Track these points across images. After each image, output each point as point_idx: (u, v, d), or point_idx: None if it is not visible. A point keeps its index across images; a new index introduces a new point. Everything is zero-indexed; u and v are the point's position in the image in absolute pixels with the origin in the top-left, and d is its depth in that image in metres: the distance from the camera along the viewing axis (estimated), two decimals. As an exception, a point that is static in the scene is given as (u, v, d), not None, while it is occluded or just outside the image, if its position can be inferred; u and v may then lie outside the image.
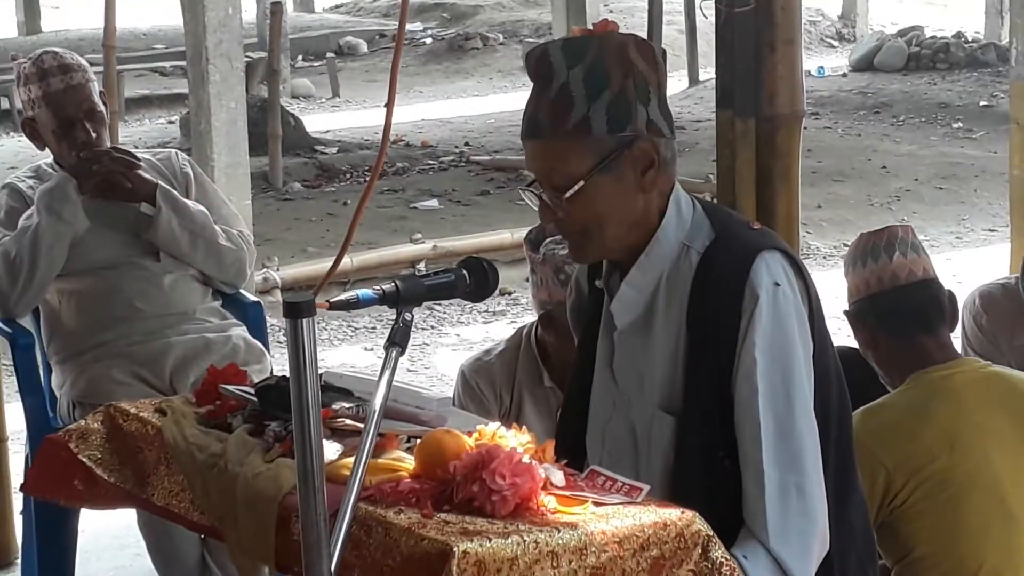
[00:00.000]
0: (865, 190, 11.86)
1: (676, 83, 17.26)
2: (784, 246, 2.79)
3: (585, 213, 2.70)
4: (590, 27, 2.77)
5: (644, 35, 8.57)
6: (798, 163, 3.71)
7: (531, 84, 2.73)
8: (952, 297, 3.47)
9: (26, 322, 4.47)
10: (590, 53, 2.67)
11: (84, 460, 2.83)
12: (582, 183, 2.67)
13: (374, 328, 8.36)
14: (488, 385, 3.75)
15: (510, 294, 8.52)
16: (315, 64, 21.81)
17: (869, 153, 13.39)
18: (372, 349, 7.95)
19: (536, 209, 2.79)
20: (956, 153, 13.39)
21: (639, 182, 2.71)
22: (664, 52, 2.75)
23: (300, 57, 22.02)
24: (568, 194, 2.68)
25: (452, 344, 8.05)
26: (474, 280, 2.64)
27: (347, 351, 7.96)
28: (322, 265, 9.09)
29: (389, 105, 2.80)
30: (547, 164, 2.71)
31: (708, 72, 17.00)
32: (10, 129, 15.66)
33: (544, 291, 3.62)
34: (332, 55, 21.45)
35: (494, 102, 18.00)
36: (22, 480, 4.58)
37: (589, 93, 2.65)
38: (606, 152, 2.67)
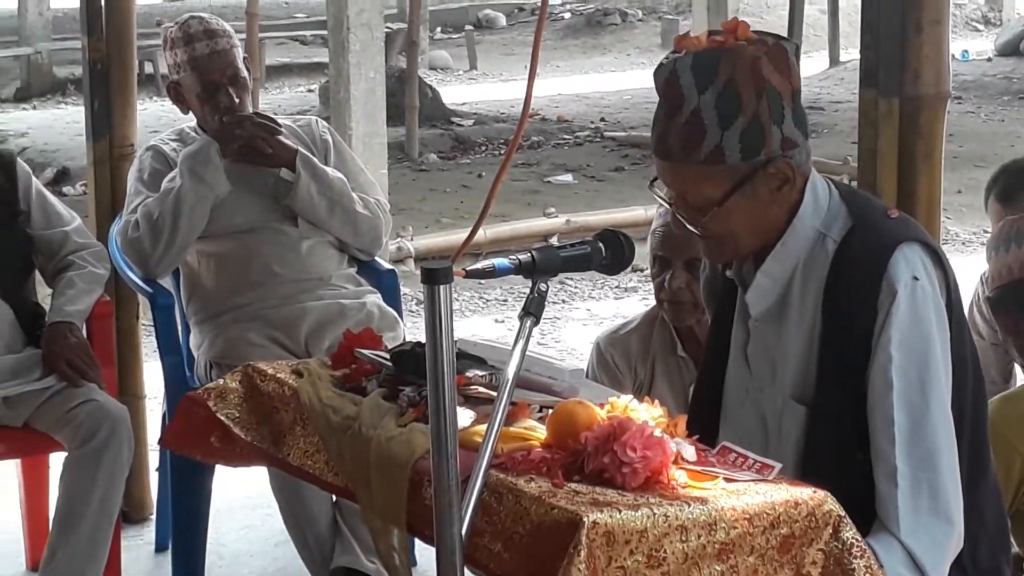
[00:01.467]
0: (1007, 176, 11.66)
1: (816, 64, 17.11)
2: (924, 236, 2.75)
3: (720, 229, 2.70)
4: (720, 25, 2.70)
5: (787, 14, 8.48)
6: (942, 145, 3.65)
7: (659, 99, 2.68)
8: None
9: (166, 283, 4.54)
10: (721, 74, 2.61)
11: (222, 418, 2.88)
12: (716, 208, 2.66)
13: (505, 300, 8.39)
14: (623, 358, 3.74)
15: (642, 270, 8.49)
16: (453, 36, 21.92)
17: (1012, 139, 13.16)
18: (503, 321, 7.97)
19: (666, 206, 2.79)
20: (1101, 141, 13.12)
21: (774, 198, 2.70)
22: (798, 48, 2.70)
23: (439, 29, 22.14)
24: (704, 217, 2.68)
25: (583, 319, 8.06)
26: (610, 253, 2.63)
27: (478, 322, 7.99)
28: (455, 236, 9.14)
29: (530, 79, 2.80)
30: (679, 186, 2.70)
31: (849, 53, 16.84)
32: (153, 93, 15.93)
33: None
34: (471, 27, 21.55)
35: (631, 78, 17.96)
36: (160, 436, 4.68)
37: (722, 121, 2.61)
38: (740, 178, 2.65)
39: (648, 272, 3.75)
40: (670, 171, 2.70)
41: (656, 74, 2.69)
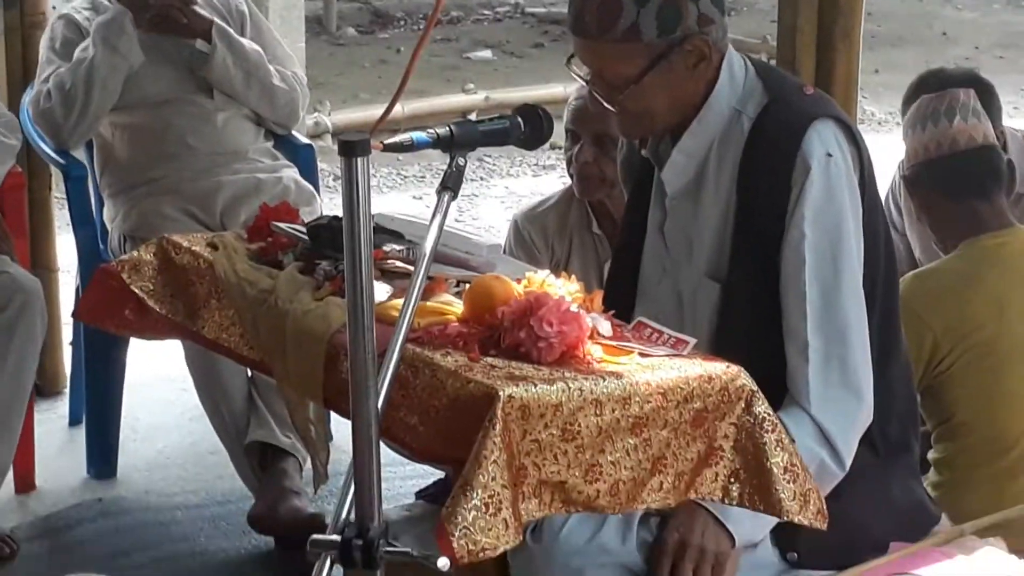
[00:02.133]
0: (924, 56, 11.70)
1: (737, -60, 17.01)
2: (838, 113, 2.76)
3: (636, 106, 2.70)
4: None
5: None
6: (860, 24, 3.66)
7: None
8: (1011, 164, 3.44)
9: (79, 154, 4.49)
10: None
11: (136, 290, 2.85)
12: (633, 86, 2.66)
13: (423, 177, 8.36)
14: (540, 235, 3.75)
15: (560, 148, 8.48)
16: (372, -93, 21.56)
17: (930, 19, 13.19)
18: (421, 198, 7.95)
19: (583, 83, 2.78)
20: (1019, 22, 13.18)
21: (690, 74, 2.70)
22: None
23: (357, -101, 21.74)
24: (621, 94, 2.67)
25: (500, 196, 8.05)
26: (529, 127, 2.62)
27: (396, 198, 7.96)
28: (374, 111, 9.08)
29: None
30: (596, 63, 2.70)
31: (770, -70, 16.76)
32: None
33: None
34: (390, -102, 21.17)
35: (552, -47, 17.78)
36: (73, 308, 4.65)
37: None
38: (656, 55, 2.65)
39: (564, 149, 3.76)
40: (587, 49, 2.69)
41: None
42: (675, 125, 2.75)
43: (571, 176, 3.67)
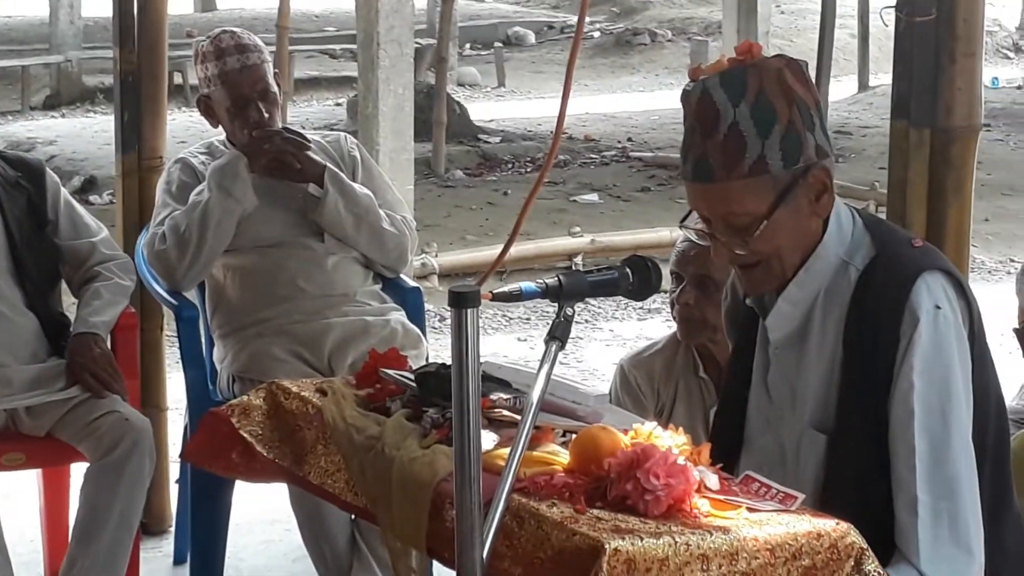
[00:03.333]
0: (1035, 205, 11.64)
1: (845, 88, 17.08)
2: (947, 265, 2.74)
3: (765, 248, 2.68)
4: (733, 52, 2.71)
5: (816, 37, 8.48)
6: (972, 177, 3.65)
7: (687, 127, 2.68)
8: None
9: (191, 295, 4.55)
10: (750, 87, 2.62)
11: (244, 435, 2.88)
12: (764, 223, 2.64)
13: (528, 319, 8.38)
14: (647, 380, 3.75)
15: (667, 292, 8.47)
16: (482, 53, 21.94)
17: (1041, 168, 13.12)
18: (525, 340, 7.97)
19: (698, 241, 2.78)
20: None
21: (813, 208, 2.69)
22: (807, 64, 2.71)
23: (468, 45, 22.16)
24: (753, 234, 2.65)
25: (606, 339, 8.05)
26: (637, 279, 2.63)
27: (501, 340, 7.99)
28: (480, 253, 9.14)
29: (564, 97, 2.80)
30: (723, 207, 2.67)
31: (878, 78, 16.81)
32: (182, 104, 15.98)
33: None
34: (500, 44, 21.58)
35: (659, 98, 17.96)
36: (181, 448, 4.68)
37: (760, 131, 2.61)
38: (783, 187, 2.64)
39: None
40: (712, 193, 2.67)
41: (686, 97, 2.69)
42: (798, 268, 2.74)
43: (674, 318, 3.69)
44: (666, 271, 3.37)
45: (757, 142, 2.61)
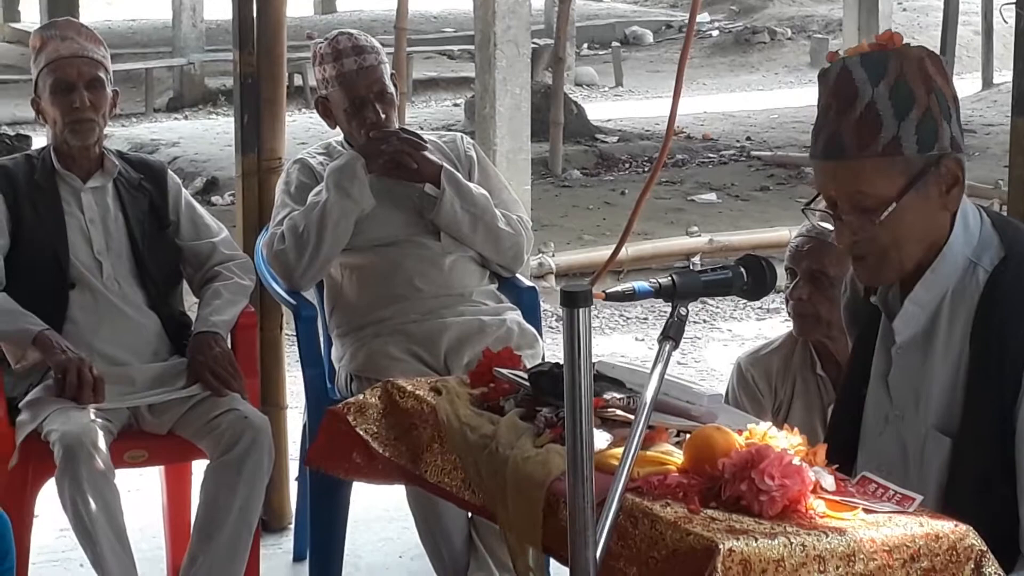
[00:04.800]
0: None
1: (969, 85, 16.85)
2: (1078, 266, 2.69)
3: (890, 235, 2.64)
4: (874, 38, 2.70)
5: (939, 34, 8.39)
6: (1096, 172, 3.59)
7: (822, 105, 2.66)
8: None
9: (310, 295, 4.59)
10: (891, 69, 2.60)
11: (361, 432, 2.90)
12: (893, 206, 2.61)
13: (646, 319, 8.36)
14: (764, 379, 3.73)
15: (784, 290, 8.41)
16: (600, 52, 21.93)
17: None
18: (643, 340, 7.95)
19: (819, 229, 2.75)
20: None
21: (943, 200, 2.66)
22: (946, 60, 2.69)
23: (586, 45, 22.16)
24: (881, 217, 2.61)
25: (724, 339, 8.01)
26: (752, 278, 2.61)
27: (618, 340, 7.98)
28: (597, 253, 9.14)
29: (675, 96, 2.79)
30: (852, 186, 2.63)
31: (1003, 75, 16.56)
32: (301, 105, 16.14)
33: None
34: (617, 44, 21.55)
35: (778, 97, 17.85)
36: (300, 449, 4.72)
37: (897, 111, 2.59)
38: (916, 172, 2.61)
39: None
40: (842, 171, 2.64)
41: (824, 76, 2.67)
42: (913, 271, 2.70)
43: (789, 315, 3.67)
44: (781, 269, 3.36)
45: (893, 123, 2.59)
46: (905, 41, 2.68)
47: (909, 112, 2.59)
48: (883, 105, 2.59)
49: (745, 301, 8.44)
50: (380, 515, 5.03)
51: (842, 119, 2.61)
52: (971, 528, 2.36)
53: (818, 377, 3.69)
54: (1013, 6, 3.60)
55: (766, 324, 8.09)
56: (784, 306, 3.76)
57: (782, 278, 3.57)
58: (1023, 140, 3.61)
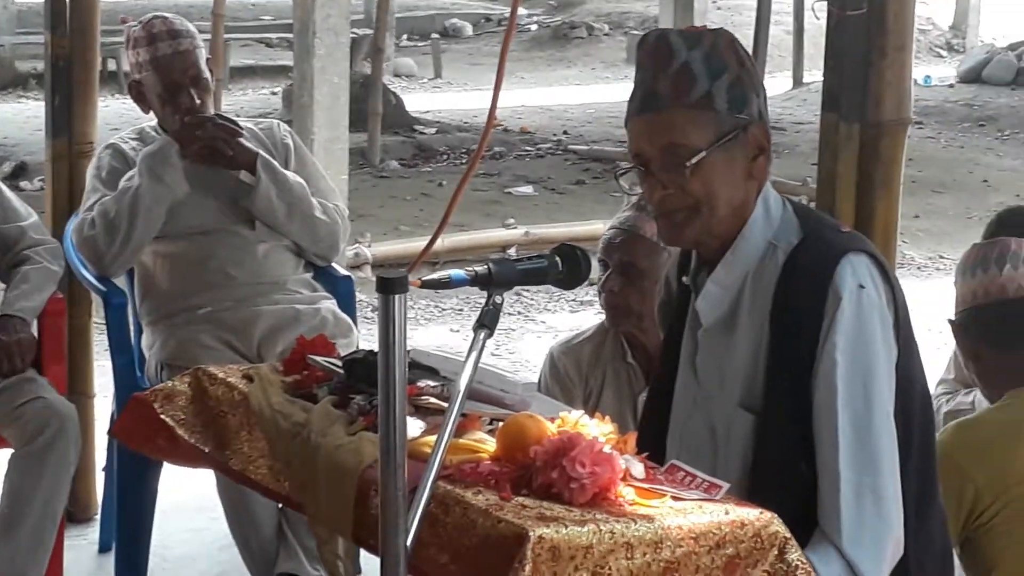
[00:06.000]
0: (964, 203, 11.74)
1: (780, 84, 17.17)
2: (871, 249, 2.77)
3: (700, 188, 2.70)
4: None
5: (752, 33, 8.52)
6: (901, 171, 3.67)
7: (639, 70, 2.74)
8: None
9: (120, 282, 4.52)
10: (706, 41, 2.71)
11: (166, 419, 2.86)
12: (703, 154, 2.67)
13: (461, 310, 8.38)
14: (575, 368, 3.77)
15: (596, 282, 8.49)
16: (419, 44, 21.90)
17: (971, 166, 13.24)
18: (458, 331, 7.97)
19: (631, 196, 2.80)
20: (1059, 171, 13.22)
21: (749, 167, 2.73)
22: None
23: (405, 36, 22.10)
24: (690, 163, 2.67)
25: (538, 331, 8.06)
26: (567, 267, 2.63)
27: (434, 331, 7.98)
28: (414, 244, 9.13)
29: (495, 89, 2.80)
30: (665, 137, 2.70)
31: (813, 75, 16.90)
32: (115, 91, 15.85)
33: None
34: (437, 36, 21.53)
35: (595, 92, 17.99)
36: (108, 438, 4.64)
37: (710, 72, 2.69)
38: (726, 129, 2.69)
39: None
40: (656, 123, 2.70)
41: (642, 41, 2.76)
42: (718, 241, 2.75)
43: (601, 306, 3.72)
44: (597, 263, 3.39)
45: (706, 80, 2.68)
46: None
47: (722, 75, 2.69)
48: (697, 66, 2.69)
49: (559, 293, 8.54)
50: (189, 505, 4.96)
51: (659, 75, 2.70)
52: (775, 515, 2.40)
53: (629, 366, 3.73)
54: (824, 3, 3.68)
55: (580, 316, 8.15)
56: (597, 298, 3.80)
57: (595, 270, 3.60)
58: (832, 136, 3.69)
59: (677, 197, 2.71)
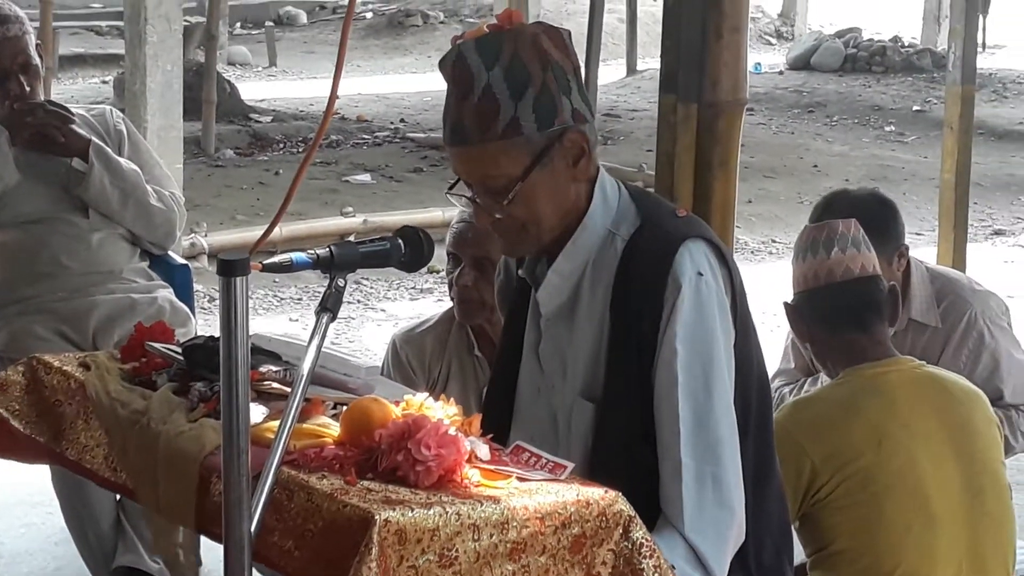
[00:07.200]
0: (796, 188, 11.94)
1: (614, 72, 17.29)
2: (709, 234, 2.79)
3: (523, 211, 2.70)
4: (494, 21, 2.74)
5: (586, 21, 8.57)
6: (737, 151, 3.71)
7: (447, 92, 2.70)
8: (894, 292, 3.47)
9: (-51, 272, 4.41)
10: (505, 51, 2.65)
11: (0, 411, 2.79)
12: (520, 184, 2.66)
13: (300, 299, 8.33)
14: (417, 357, 3.74)
15: (438, 272, 8.50)
16: (253, 32, 21.67)
17: (801, 151, 13.47)
18: (297, 320, 7.91)
19: (463, 208, 2.78)
20: (887, 156, 13.50)
21: (571, 172, 2.72)
22: (569, 33, 2.75)
23: (239, 24, 21.85)
24: (508, 197, 2.66)
25: (379, 319, 8.04)
26: (409, 250, 2.62)
27: (273, 320, 7.92)
28: (251, 233, 9.05)
29: (335, 76, 2.77)
30: (480, 170, 2.69)
31: (646, 62, 17.08)
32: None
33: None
34: (271, 24, 21.32)
35: (431, 80, 17.88)
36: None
37: (513, 93, 2.63)
38: (539, 149, 2.66)
39: (442, 273, 3.78)
40: (468, 156, 2.69)
41: (442, 63, 2.71)
42: (555, 242, 2.76)
43: (452, 299, 3.68)
44: (441, 252, 3.37)
45: (511, 104, 2.63)
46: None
47: (525, 92, 2.64)
48: (499, 88, 2.63)
49: (399, 281, 8.52)
50: (23, 500, 4.87)
51: (463, 105, 2.66)
52: (620, 494, 2.41)
53: (475, 358, 3.72)
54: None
55: (420, 304, 8.14)
56: (439, 287, 3.78)
57: (440, 259, 3.58)
58: (669, 116, 3.71)
59: (504, 221, 2.72)
